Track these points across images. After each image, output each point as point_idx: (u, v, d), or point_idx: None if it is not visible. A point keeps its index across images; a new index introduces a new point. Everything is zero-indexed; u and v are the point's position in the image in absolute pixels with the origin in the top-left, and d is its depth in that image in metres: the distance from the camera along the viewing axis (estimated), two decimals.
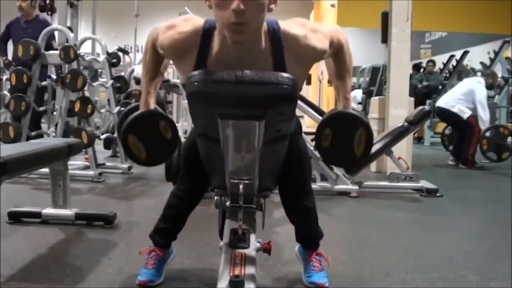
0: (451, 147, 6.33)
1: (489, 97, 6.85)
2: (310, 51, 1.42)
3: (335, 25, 1.57)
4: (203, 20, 1.44)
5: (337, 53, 1.58)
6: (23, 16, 5.09)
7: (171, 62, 1.66)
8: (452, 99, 5.84)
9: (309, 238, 1.92)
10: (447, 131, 6.57)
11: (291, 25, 1.43)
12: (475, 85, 5.78)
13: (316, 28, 1.47)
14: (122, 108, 4.83)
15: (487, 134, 5.54)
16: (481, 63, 8.57)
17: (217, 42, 1.39)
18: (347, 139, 1.47)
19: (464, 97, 5.71)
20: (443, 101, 5.98)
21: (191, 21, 1.45)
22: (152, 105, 1.63)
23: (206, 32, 1.41)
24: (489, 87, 5.91)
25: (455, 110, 5.75)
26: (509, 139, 5.74)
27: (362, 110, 10.73)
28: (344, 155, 1.51)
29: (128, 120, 1.49)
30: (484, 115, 5.52)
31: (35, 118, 4.55)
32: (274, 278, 2.00)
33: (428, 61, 9.81)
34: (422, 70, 9.90)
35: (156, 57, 1.62)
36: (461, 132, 5.88)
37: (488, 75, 6.11)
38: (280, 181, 1.71)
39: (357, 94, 11.07)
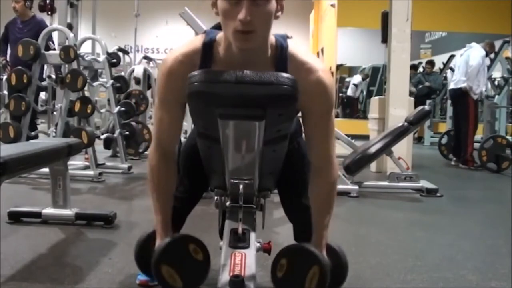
0: (450, 156, 6.33)
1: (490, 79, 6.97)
2: (314, 86, 1.36)
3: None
4: (202, 37, 1.41)
5: (322, 169, 1.50)
6: (20, 17, 5.11)
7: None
8: (454, 76, 5.94)
9: (307, 236, 1.93)
10: (443, 140, 6.58)
11: (301, 50, 1.39)
12: (470, 51, 5.84)
13: (326, 78, 1.38)
14: (122, 108, 4.85)
15: (486, 145, 5.56)
16: None
17: (221, 50, 1.37)
18: (300, 275, 1.42)
19: (462, 68, 5.80)
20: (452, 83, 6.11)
21: (183, 46, 1.41)
22: (169, 228, 1.52)
23: (208, 46, 1.38)
24: (486, 53, 5.92)
25: (452, 86, 5.91)
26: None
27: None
28: None
29: (158, 251, 1.40)
30: (471, 81, 5.57)
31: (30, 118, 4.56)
32: None
33: (426, 62, 9.81)
34: (422, 70, 9.91)
35: (167, 167, 1.50)
36: (457, 110, 5.98)
37: (486, 43, 6.11)
38: (280, 180, 1.71)
39: (356, 79, 11.20)
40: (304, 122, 1.46)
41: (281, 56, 1.37)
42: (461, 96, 5.75)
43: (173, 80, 1.39)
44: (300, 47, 1.41)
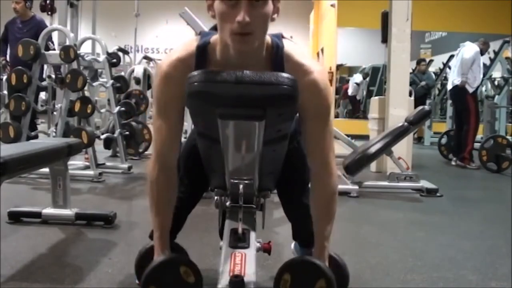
0: (450, 155, 6.33)
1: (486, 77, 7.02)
2: (311, 87, 1.35)
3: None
4: (196, 40, 1.40)
5: (321, 177, 1.47)
6: (20, 17, 5.12)
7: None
8: (451, 76, 6.02)
9: (305, 235, 1.93)
10: (443, 140, 6.58)
11: (296, 49, 1.38)
12: (464, 48, 5.88)
13: (324, 80, 1.37)
14: (122, 108, 4.85)
15: (486, 145, 5.56)
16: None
17: (216, 52, 1.37)
18: None
19: (457, 66, 5.86)
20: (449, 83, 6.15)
21: (177, 51, 1.40)
22: (167, 245, 1.50)
23: (201, 48, 1.37)
24: (481, 52, 5.93)
25: (450, 85, 5.96)
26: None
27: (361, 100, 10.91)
28: None
29: (147, 271, 1.39)
30: (465, 74, 5.61)
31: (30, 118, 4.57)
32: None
33: (418, 61, 9.77)
34: (413, 69, 9.89)
35: (166, 181, 1.46)
36: (458, 109, 5.98)
37: (480, 41, 6.12)
38: (280, 180, 1.71)
39: (357, 78, 11.20)
40: (302, 126, 1.43)
41: (277, 56, 1.36)
42: (459, 93, 5.77)
43: (169, 85, 1.37)
44: (296, 47, 1.40)
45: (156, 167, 1.46)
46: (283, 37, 1.41)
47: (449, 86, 6.13)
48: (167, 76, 1.37)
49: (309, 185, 1.85)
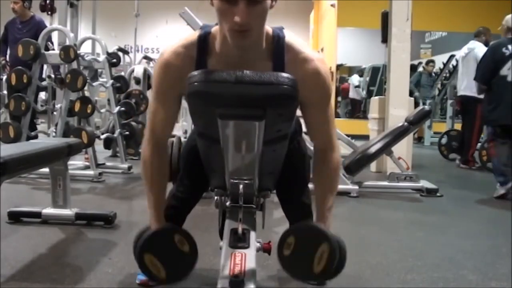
0: (450, 155, 6.31)
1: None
2: (310, 76, 1.37)
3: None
4: (198, 31, 1.42)
5: (325, 153, 1.51)
6: (19, 17, 5.12)
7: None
8: (463, 82, 5.72)
9: None
10: (443, 140, 6.57)
11: (298, 40, 1.40)
12: (474, 52, 5.57)
13: (323, 67, 1.40)
14: (122, 108, 4.85)
15: (486, 145, 5.54)
16: None
17: (217, 43, 1.38)
18: (308, 252, 1.41)
19: (471, 73, 5.10)
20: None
21: (180, 40, 1.42)
22: (162, 217, 1.54)
23: (203, 38, 1.39)
24: (486, 44, 5.60)
25: (462, 92, 5.71)
26: None
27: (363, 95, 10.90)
28: (302, 268, 1.43)
29: (142, 240, 1.43)
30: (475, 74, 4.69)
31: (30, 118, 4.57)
32: (274, 278, 2.00)
33: (427, 62, 9.77)
34: (422, 70, 9.89)
35: (159, 159, 1.52)
36: (465, 114, 5.86)
37: (481, 32, 5.92)
38: (280, 180, 1.71)
39: (355, 80, 11.18)
40: (303, 111, 1.46)
41: (278, 46, 1.38)
42: (472, 102, 5.57)
43: (169, 72, 1.40)
44: (297, 38, 1.42)
45: (149, 147, 1.51)
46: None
47: (460, 92, 5.88)
48: (167, 63, 1.39)
49: (308, 184, 1.87)
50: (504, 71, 4.06)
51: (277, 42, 1.38)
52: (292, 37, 1.41)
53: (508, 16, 4.41)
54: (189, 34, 1.44)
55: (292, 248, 1.42)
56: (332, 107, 1.48)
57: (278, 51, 1.37)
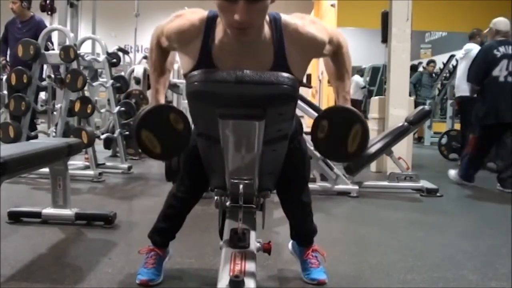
0: (450, 155, 6.30)
1: None
2: (309, 40, 1.43)
3: (335, 28, 1.61)
4: (206, 12, 1.46)
5: (336, 53, 1.60)
6: (19, 17, 5.12)
7: (177, 58, 1.66)
8: (462, 83, 5.67)
9: (303, 234, 1.94)
10: (443, 140, 6.56)
11: (292, 17, 1.47)
12: (472, 52, 5.49)
13: (315, 20, 1.52)
14: (122, 108, 4.85)
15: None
16: None
17: (220, 29, 1.40)
18: (342, 133, 1.47)
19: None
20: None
21: (197, 11, 1.48)
22: (162, 101, 1.64)
23: (211, 20, 1.42)
24: (481, 45, 5.57)
25: (461, 93, 5.71)
26: None
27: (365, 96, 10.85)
28: (337, 149, 1.51)
29: (139, 116, 1.48)
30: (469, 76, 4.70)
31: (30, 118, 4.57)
32: (274, 278, 2.00)
33: (428, 62, 9.76)
34: (422, 70, 9.88)
35: (162, 54, 1.63)
36: (465, 113, 5.85)
37: (475, 34, 5.94)
38: (280, 180, 1.71)
39: (359, 79, 11.14)
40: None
41: (276, 27, 1.42)
42: (471, 103, 5.58)
43: (181, 35, 1.45)
44: (292, 16, 1.48)
45: (154, 42, 1.61)
46: None
47: (459, 93, 5.91)
48: (180, 26, 1.45)
49: (307, 183, 1.87)
50: (496, 72, 4.29)
51: (275, 24, 1.42)
52: (288, 16, 1.46)
53: (495, 19, 4.61)
54: (201, 12, 1.48)
55: (327, 130, 1.47)
56: (331, 30, 1.56)
57: (277, 30, 1.41)
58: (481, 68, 4.37)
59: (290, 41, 1.42)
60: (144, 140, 1.46)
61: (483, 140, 4.44)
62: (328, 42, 1.50)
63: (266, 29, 1.40)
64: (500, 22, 4.56)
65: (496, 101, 4.24)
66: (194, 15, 1.45)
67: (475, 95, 4.61)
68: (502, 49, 4.30)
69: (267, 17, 1.40)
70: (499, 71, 4.26)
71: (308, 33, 1.43)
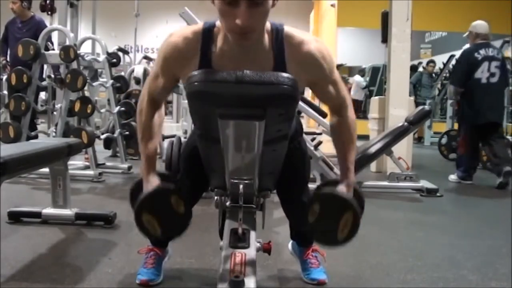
0: (450, 155, 6.30)
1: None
2: (308, 54, 1.40)
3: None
4: (202, 23, 1.44)
5: (340, 113, 1.57)
6: (19, 17, 5.13)
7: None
8: None
9: (303, 234, 1.94)
10: (443, 140, 6.56)
11: (296, 30, 1.44)
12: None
13: (319, 40, 1.48)
14: (122, 108, 4.85)
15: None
16: None
17: (220, 38, 1.39)
18: (333, 220, 1.47)
19: None
20: None
21: (189, 27, 1.47)
22: (155, 176, 1.55)
23: (207, 30, 1.41)
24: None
25: None
26: None
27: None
28: (327, 236, 1.52)
29: (140, 199, 1.46)
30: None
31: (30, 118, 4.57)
32: (274, 278, 2.00)
33: (428, 62, 9.76)
34: (422, 70, 9.89)
35: (152, 110, 1.56)
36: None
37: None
38: (280, 180, 1.71)
39: (360, 79, 11.15)
40: (313, 89, 1.53)
41: (277, 37, 1.40)
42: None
43: (175, 52, 1.42)
44: (294, 29, 1.45)
45: (145, 101, 1.55)
46: None
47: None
48: (175, 44, 1.42)
49: (307, 183, 1.87)
50: (478, 74, 4.51)
51: (276, 34, 1.40)
52: (290, 28, 1.44)
53: (475, 23, 4.75)
54: (195, 25, 1.47)
55: (317, 214, 1.47)
56: (337, 72, 1.53)
57: (278, 41, 1.40)
58: (463, 71, 4.61)
59: (290, 51, 1.40)
60: (144, 223, 1.46)
61: (474, 140, 4.67)
62: (327, 69, 1.45)
63: (266, 36, 1.39)
64: (480, 25, 4.70)
65: (481, 102, 4.46)
66: (187, 29, 1.45)
67: (459, 98, 4.81)
68: (482, 51, 4.52)
69: (268, 26, 1.39)
70: (481, 73, 4.49)
71: (308, 46, 1.41)
